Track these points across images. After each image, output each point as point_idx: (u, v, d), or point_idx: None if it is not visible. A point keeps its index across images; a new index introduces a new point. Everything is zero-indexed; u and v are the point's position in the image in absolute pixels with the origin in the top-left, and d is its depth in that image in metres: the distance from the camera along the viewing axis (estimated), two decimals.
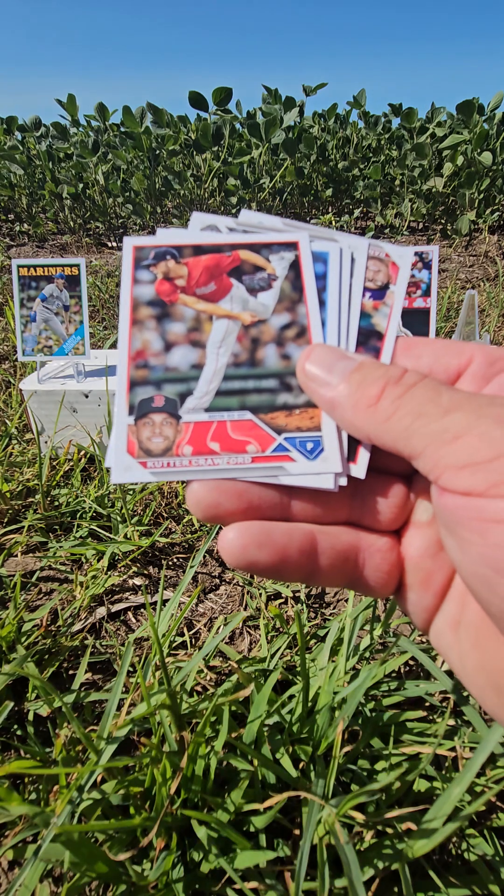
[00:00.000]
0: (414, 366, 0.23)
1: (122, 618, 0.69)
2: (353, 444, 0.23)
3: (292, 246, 0.25)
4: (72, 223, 2.93)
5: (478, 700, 0.21)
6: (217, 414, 0.23)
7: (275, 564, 0.21)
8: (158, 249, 0.25)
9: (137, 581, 0.74)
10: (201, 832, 0.40)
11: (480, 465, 0.17)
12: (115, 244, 2.74)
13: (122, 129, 2.83)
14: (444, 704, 0.54)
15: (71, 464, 0.94)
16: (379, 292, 0.25)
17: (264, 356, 0.24)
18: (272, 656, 0.58)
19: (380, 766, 0.46)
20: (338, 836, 0.36)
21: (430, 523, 0.23)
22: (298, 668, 0.55)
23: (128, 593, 0.72)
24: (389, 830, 0.41)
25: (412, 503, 0.23)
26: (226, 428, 0.23)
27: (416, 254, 1.06)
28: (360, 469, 0.23)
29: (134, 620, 0.69)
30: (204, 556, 0.79)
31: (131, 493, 0.86)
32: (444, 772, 0.47)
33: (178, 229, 0.25)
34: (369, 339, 0.24)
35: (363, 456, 0.23)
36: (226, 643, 0.64)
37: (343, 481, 0.22)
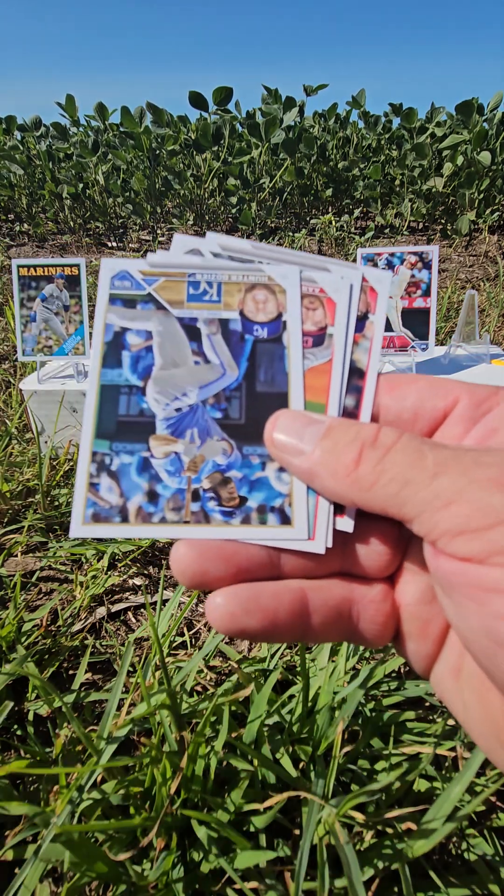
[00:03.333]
0: (398, 408, 0.22)
1: (122, 618, 0.69)
2: None
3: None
4: (72, 223, 2.93)
5: (484, 752, 0.21)
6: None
7: (265, 629, 0.20)
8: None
9: (137, 581, 0.74)
10: (201, 832, 0.40)
11: (477, 533, 0.17)
12: (114, 244, 2.74)
13: (122, 129, 2.83)
14: (444, 704, 0.54)
15: (71, 464, 0.94)
16: (358, 323, 0.23)
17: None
18: (272, 656, 0.58)
19: (380, 766, 0.46)
20: (338, 836, 0.36)
21: (423, 568, 0.22)
22: (298, 668, 0.55)
23: (128, 593, 0.72)
24: (389, 830, 0.41)
25: (404, 547, 0.23)
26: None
27: (416, 254, 1.06)
28: (346, 523, 0.22)
29: (134, 620, 0.69)
30: None
31: None
32: (444, 772, 0.47)
33: (165, 253, 0.23)
34: (351, 377, 0.22)
35: (350, 509, 0.22)
36: (226, 643, 0.64)
37: (329, 543, 0.21)
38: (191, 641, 0.64)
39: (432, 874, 0.40)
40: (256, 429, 0.22)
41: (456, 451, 0.18)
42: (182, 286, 0.23)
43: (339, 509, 0.22)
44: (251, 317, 0.23)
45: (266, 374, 0.23)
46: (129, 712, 0.48)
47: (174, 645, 0.63)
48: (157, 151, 2.74)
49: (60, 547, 0.77)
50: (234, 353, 0.23)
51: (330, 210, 3.03)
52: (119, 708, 0.53)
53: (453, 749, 0.47)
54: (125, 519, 0.22)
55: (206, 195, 2.84)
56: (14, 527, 0.80)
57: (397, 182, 2.88)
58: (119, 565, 0.75)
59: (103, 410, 0.22)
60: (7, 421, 1.12)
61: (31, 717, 0.54)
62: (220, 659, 0.61)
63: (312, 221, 2.75)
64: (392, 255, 1.06)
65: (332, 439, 0.21)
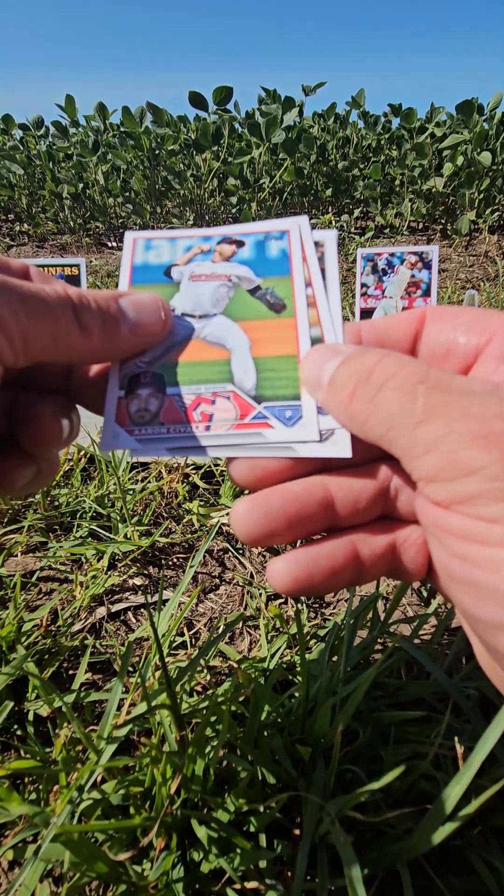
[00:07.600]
0: (434, 342, 0.24)
1: (122, 618, 0.69)
2: None
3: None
4: (72, 223, 2.93)
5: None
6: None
7: (327, 583, 0.22)
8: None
9: (137, 581, 0.74)
10: (201, 832, 0.40)
11: (445, 483, 0.18)
12: (115, 244, 2.74)
13: (122, 129, 2.83)
14: (443, 704, 0.54)
15: (71, 464, 0.94)
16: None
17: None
18: (272, 656, 0.58)
19: (380, 766, 0.46)
20: (338, 836, 0.36)
21: None
22: (298, 668, 0.55)
23: (128, 593, 0.72)
24: (389, 830, 0.41)
25: None
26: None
27: (416, 254, 1.06)
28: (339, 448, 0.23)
29: (134, 620, 0.69)
30: (204, 556, 0.79)
31: (131, 493, 0.86)
32: (444, 772, 0.47)
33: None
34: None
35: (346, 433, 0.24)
36: (226, 643, 0.64)
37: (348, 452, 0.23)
38: (191, 641, 0.64)
39: (432, 874, 0.40)
40: None
41: (450, 398, 0.19)
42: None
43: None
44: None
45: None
46: (129, 712, 0.48)
47: (174, 645, 0.63)
48: (157, 151, 2.74)
49: (60, 547, 0.77)
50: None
51: (330, 210, 3.03)
52: (119, 708, 0.53)
53: (453, 749, 0.47)
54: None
55: (206, 195, 2.84)
56: (14, 527, 0.80)
57: (397, 182, 2.88)
58: (119, 565, 0.75)
59: None
60: None
61: (31, 717, 0.53)
62: (220, 659, 0.61)
63: (312, 221, 2.75)
64: (392, 255, 1.06)
65: (339, 372, 0.22)
